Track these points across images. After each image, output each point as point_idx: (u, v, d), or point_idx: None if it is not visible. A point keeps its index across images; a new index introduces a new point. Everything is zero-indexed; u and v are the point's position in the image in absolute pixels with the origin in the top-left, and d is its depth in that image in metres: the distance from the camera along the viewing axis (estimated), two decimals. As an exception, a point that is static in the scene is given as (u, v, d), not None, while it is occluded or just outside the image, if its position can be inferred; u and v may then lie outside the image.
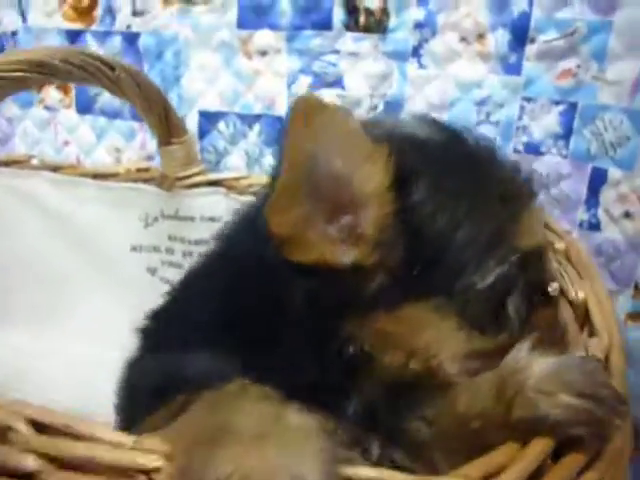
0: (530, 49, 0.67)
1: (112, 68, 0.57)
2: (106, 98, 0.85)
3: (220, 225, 0.78)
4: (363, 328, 0.33)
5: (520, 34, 0.67)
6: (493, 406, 0.31)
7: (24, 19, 0.85)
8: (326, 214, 0.32)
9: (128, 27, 0.79)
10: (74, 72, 0.51)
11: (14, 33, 0.87)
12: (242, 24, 0.74)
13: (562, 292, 0.42)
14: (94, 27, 0.82)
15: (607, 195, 0.69)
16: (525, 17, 0.66)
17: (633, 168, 0.67)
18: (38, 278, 0.84)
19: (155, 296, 0.88)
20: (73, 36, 0.84)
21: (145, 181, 0.80)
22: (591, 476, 0.28)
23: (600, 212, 0.70)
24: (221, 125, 0.82)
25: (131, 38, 0.80)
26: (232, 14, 0.74)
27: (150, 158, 0.87)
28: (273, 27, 0.74)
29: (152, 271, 0.85)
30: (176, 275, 0.82)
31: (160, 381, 0.34)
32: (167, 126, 0.69)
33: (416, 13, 0.69)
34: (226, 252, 0.41)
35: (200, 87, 0.80)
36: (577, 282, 0.42)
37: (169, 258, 0.84)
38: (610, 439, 0.28)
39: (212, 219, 0.79)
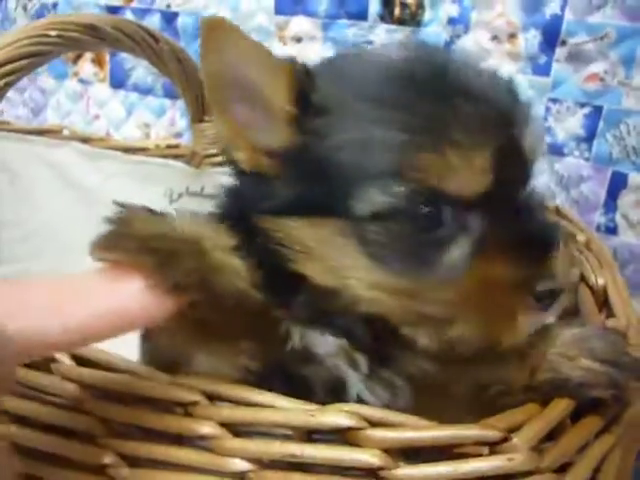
0: (560, 51, 0.69)
1: (157, 40, 0.59)
2: (140, 73, 0.88)
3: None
4: (279, 227, 0.34)
5: (551, 36, 0.69)
6: (516, 371, 0.32)
7: (65, -8, 0.88)
8: (242, 119, 0.35)
9: (168, 6, 0.81)
10: (122, 39, 0.53)
11: (55, 5, 0.89)
12: (280, 10, 0.76)
13: (583, 278, 0.44)
14: (134, 4, 0.84)
15: (626, 200, 0.71)
16: (557, 19, 0.68)
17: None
18: (61, 246, 0.86)
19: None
20: (112, 11, 0.86)
21: (174, 157, 0.82)
22: (608, 439, 0.30)
23: (618, 216, 0.72)
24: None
25: (170, 17, 0.82)
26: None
27: (178, 135, 0.89)
28: (310, 14, 0.75)
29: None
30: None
31: None
32: (202, 104, 0.71)
33: (450, 9, 0.71)
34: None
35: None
36: (597, 270, 0.44)
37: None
38: (629, 403, 0.30)
39: (236, 197, 0.81)
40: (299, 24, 0.77)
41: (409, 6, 0.72)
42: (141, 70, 0.87)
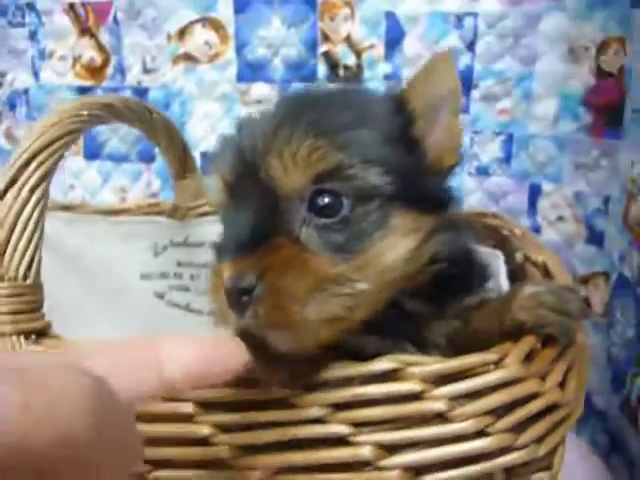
0: (475, 93, 0.86)
1: (151, 112, 0.69)
2: (114, 144, 0.97)
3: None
4: None
5: (466, 81, 0.86)
6: (493, 323, 0.44)
7: (37, 78, 0.96)
8: None
9: (139, 82, 0.92)
10: (127, 114, 0.63)
11: (26, 91, 0.97)
12: (241, 78, 0.89)
13: (527, 258, 0.58)
14: (105, 84, 0.94)
15: (543, 204, 0.88)
16: (469, 69, 0.86)
17: (561, 181, 0.86)
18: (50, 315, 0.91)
19: (162, 318, 0.97)
20: (84, 92, 0.95)
21: (156, 214, 0.90)
22: (563, 363, 0.42)
23: (539, 219, 0.88)
24: (221, 163, 0.95)
25: (141, 92, 0.92)
26: (232, 70, 0.89)
27: (155, 195, 0.98)
28: (268, 80, 0.89)
29: (160, 295, 0.94)
30: (184, 297, 0.93)
31: None
32: (185, 163, 0.81)
33: (385, 67, 0.86)
34: None
35: (202, 132, 0.93)
36: (537, 251, 0.58)
37: (177, 282, 0.93)
38: (574, 339, 0.42)
39: (219, 243, 0.90)
40: (259, 89, 0.90)
41: (351, 67, 0.87)
42: (115, 141, 0.96)
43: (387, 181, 0.40)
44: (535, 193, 0.87)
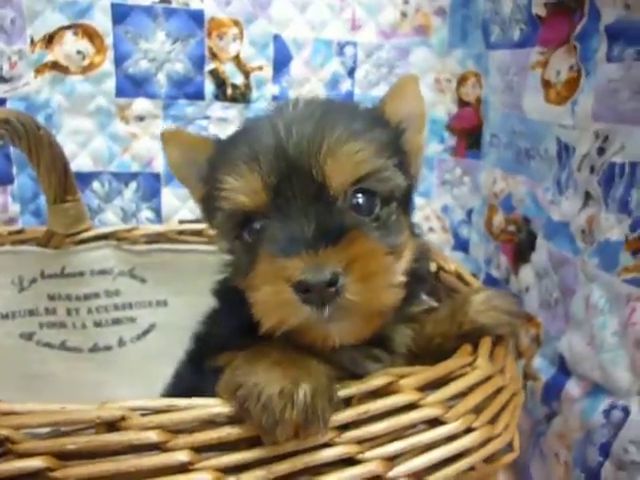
0: (355, 116, 0.92)
1: (39, 128, 0.61)
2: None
3: (112, 277, 0.82)
4: None
5: (348, 105, 0.92)
6: (449, 327, 0.49)
7: None
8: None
9: (-7, 92, 0.79)
10: (20, 131, 0.55)
11: None
12: (120, 93, 0.83)
13: (440, 267, 0.64)
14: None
15: (416, 217, 0.97)
16: (350, 94, 0.91)
17: (430, 196, 0.96)
18: None
19: (31, 361, 0.85)
20: None
21: (20, 242, 0.79)
22: (511, 356, 0.49)
23: (413, 230, 0.98)
24: (95, 184, 0.86)
25: (-4, 103, 0.80)
26: (110, 83, 0.82)
27: (12, 221, 0.85)
28: (150, 96, 0.84)
29: (27, 336, 0.82)
30: (58, 335, 0.82)
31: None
32: (65, 185, 0.72)
33: (273, 88, 0.88)
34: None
35: (71, 149, 0.84)
36: (446, 261, 0.65)
37: (49, 319, 0.82)
38: (519, 336, 0.49)
39: (103, 272, 0.82)
40: (141, 104, 0.84)
41: (239, 87, 0.87)
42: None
43: (405, 186, 0.44)
44: (409, 207, 0.97)
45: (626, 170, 0.59)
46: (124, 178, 0.87)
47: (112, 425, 0.37)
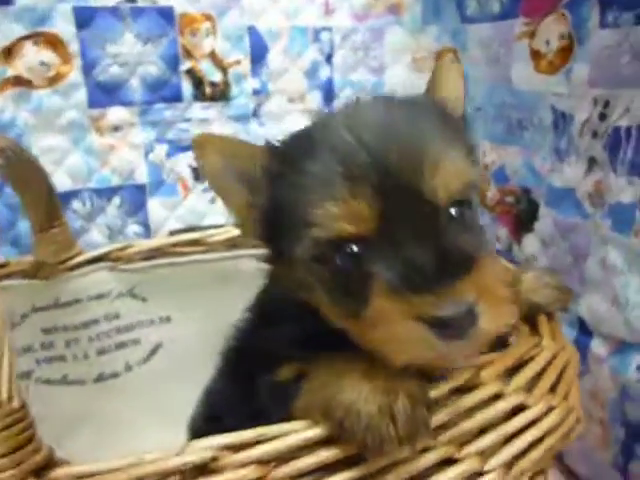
0: (337, 103, 0.90)
1: (28, 155, 0.55)
2: None
3: (110, 300, 0.78)
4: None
5: (328, 93, 0.89)
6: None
7: None
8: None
9: (-51, 115, 0.72)
10: (11, 158, 0.50)
11: None
12: (93, 103, 0.77)
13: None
14: None
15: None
16: (329, 81, 0.89)
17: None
18: None
19: (34, 400, 0.80)
20: None
21: (5, 277, 0.73)
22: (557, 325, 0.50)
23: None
24: (75, 204, 0.81)
25: (-46, 128, 0.72)
26: (80, 94, 0.76)
27: (-13, 254, 0.78)
28: (125, 104, 0.79)
29: (26, 375, 0.77)
30: (58, 369, 0.77)
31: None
32: (51, 212, 0.67)
33: (253, 82, 0.84)
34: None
35: (47, 169, 0.77)
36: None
37: (47, 354, 0.77)
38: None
39: (100, 296, 0.77)
40: (116, 113, 0.79)
41: (218, 84, 0.83)
42: None
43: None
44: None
45: (633, 133, 0.60)
46: (106, 194, 0.81)
47: (204, 468, 0.34)
